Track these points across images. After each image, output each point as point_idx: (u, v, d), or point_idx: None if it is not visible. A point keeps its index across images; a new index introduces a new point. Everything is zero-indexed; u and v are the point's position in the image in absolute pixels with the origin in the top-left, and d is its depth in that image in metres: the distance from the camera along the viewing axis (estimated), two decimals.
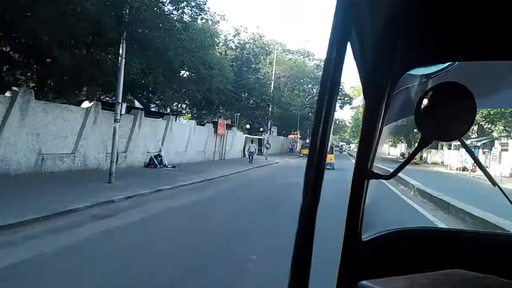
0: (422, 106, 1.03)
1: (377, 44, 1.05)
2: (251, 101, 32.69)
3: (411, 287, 0.93)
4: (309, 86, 69.83)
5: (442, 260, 1.22)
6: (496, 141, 35.67)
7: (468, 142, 37.61)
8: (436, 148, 51.41)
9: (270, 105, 38.92)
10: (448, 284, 0.97)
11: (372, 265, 1.28)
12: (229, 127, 34.90)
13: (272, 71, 41.05)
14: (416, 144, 1.13)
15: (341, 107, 69.06)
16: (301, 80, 60.54)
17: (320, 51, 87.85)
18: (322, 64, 68.18)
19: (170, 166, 19.65)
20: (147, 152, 18.75)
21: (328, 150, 0.95)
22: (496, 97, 1.68)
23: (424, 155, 53.96)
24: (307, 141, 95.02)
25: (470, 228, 8.16)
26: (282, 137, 63.24)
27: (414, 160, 48.64)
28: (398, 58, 1.13)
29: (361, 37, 0.96)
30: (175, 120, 29.26)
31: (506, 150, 33.75)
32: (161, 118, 20.97)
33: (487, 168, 1.66)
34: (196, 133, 24.85)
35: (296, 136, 77.18)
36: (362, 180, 1.20)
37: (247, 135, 45.33)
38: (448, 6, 0.97)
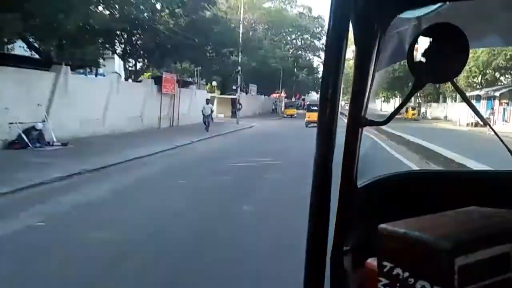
0: (414, 50, 1.03)
1: None
2: (209, 48, 25.03)
3: (436, 226, 0.91)
4: (292, 37, 61.59)
5: (441, 201, 1.20)
6: None
7: (483, 92, 31.00)
8: (437, 101, 44.83)
9: (240, 55, 31.24)
10: (470, 220, 0.96)
11: (370, 210, 1.32)
12: (186, 84, 27.50)
13: (239, 12, 32.98)
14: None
15: (317, 92, 63.22)
16: (283, 31, 52.58)
17: None
18: (305, 11, 56.63)
19: (59, 143, 12.52)
20: (10, 123, 11.49)
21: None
22: (489, 36, 1.68)
23: (423, 109, 47.59)
24: (294, 99, 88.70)
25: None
26: (263, 96, 55.71)
27: (413, 116, 40.78)
28: (386, 3, 1.12)
29: None
30: (94, 74, 21.69)
31: None
32: (47, 70, 13.52)
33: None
34: (121, 93, 17.49)
35: (279, 95, 70.01)
36: (356, 127, 1.17)
37: (215, 95, 37.82)
38: None
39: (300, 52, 62.48)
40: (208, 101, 23.04)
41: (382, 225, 0.92)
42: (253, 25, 47.67)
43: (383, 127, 13.76)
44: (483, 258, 0.84)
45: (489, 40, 1.81)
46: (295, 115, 44.23)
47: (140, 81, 21.09)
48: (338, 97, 0.90)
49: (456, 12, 1.28)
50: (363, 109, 1.16)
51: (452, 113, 37.51)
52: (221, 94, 39.68)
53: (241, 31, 30.29)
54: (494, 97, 29.33)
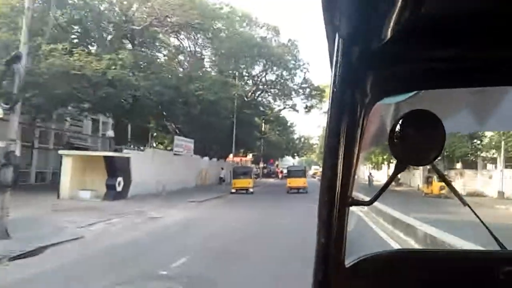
0: (395, 134, 1.11)
1: (350, 77, 1.15)
2: None
3: None
4: (254, 70, 44.68)
5: (426, 282, 1.34)
6: None
7: None
8: (475, 167, 29.34)
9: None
10: None
11: None
12: None
13: None
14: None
15: (307, 110, 48.38)
16: (241, 59, 37.18)
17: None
18: (270, 35, 35.39)
19: None
20: None
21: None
22: (462, 121, 1.78)
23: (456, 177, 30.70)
24: (262, 165, 71.57)
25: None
26: (209, 159, 39.14)
27: (442, 192, 24.04)
28: (369, 90, 1.20)
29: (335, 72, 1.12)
30: None
31: None
32: None
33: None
34: None
35: (242, 159, 52.78)
36: (344, 207, 1.21)
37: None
38: (416, 41, 1.08)
39: (266, 95, 47.20)
40: None
41: None
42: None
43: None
44: None
45: (463, 125, 1.92)
46: (251, 190, 27.89)
47: None
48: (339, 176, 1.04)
49: (432, 98, 1.43)
50: (349, 188, 1.21)
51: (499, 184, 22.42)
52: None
53: None
54: None
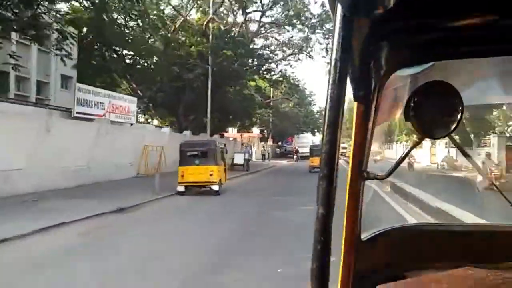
0: (410, 106, 1.07)
1: (364, 47, 1.10)
2: None
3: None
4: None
5: (443, 256, 1.33)
6: None
7: None
8: None
9: None
10: (465, 284, 1.02)
11: (373, 264, 1.36)
12: None
13: None
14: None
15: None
16: None
17: None
18: None
19: None
20: None
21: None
22: (480, 92, 1.76)
23: None
24: (281, 143, 57.69)
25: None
26: (183, 134, 25.44)
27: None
28: (384, 61, 1.18)
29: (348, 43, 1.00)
30: None
31: None
32: None
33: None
34: None
35: (249, 136, 40.03)
36: (359, 181, 1.23)
37: None
38: (429, 9, 1.03)
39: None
40: None
41: (380, 286, 0.99)
42: None
43: None
44: None
45: (482, 97, 1.88)
46: (216, 188, 14.24)
47: None
48: (338, 150, 0.90)
49: (450, 69, 1.38)
50: (364, 163, 1.21)
51: None
52: None
53: None
54: None
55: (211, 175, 14.05)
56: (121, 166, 17.88)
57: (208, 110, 22.86)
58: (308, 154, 31.23)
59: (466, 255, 1.26)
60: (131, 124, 20.32)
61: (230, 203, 13.00)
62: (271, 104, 42.83)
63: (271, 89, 41.96)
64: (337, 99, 0.86)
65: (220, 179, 14.49)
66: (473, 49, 1.16)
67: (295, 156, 48.75)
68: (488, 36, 1.10)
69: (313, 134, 62.64)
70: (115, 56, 23.66)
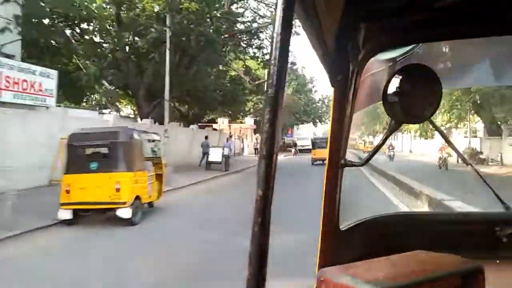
0: (389, 91, 1.05)
1: (339, 31, 1.05)
2: None
3: (370, 269, 0.96)
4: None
5: (416, 243, 1.25)
6: None
7: None
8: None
9: None
10: (407, 265, 1.02)
11: (351, 253, 1.31)
12: None
13: None
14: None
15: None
16: None
17: None
18: None
19: None
20: None
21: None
22: (459, 76, 1.72)
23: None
24: (250, 134, 54.42)
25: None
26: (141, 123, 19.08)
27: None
28: (362, 44, 1.14)
29: (319, 25, 0.96)
30: None
31: None
32: None
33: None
34: None
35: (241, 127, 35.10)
36: (336, 169, 1.20)
37: None
38: None
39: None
40: None
41: (323, 269, 0.97)
42: None
43: None
44: None
45: (460, 80, 1.87)
46: (126, 215, 7.71)
47: None
48: (278, 131, 0.84)
49: (429, 54, 1.38)
50: (342, 150, 1.17)
51: None
52: None
53: None
54: None
55: (117, 190, 7.96)
56: (24, 170, 11.80)
57: (166, 88, 16.62)
58: (308, 147, 30.65)
59: (442, 243, 1.24)
60: (47, 108, 14.26)
61: (148, 250, 6.70)
62: (263, 86, 36.66)
63: (264, 71, 35.68)
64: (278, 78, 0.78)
65: (137, 196, 8.39)
66: (454, 31, 1.15)
67: (293, 150, 42.64)
68: (468, 17, 1.08)
69: (315, 124, 56.23)
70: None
